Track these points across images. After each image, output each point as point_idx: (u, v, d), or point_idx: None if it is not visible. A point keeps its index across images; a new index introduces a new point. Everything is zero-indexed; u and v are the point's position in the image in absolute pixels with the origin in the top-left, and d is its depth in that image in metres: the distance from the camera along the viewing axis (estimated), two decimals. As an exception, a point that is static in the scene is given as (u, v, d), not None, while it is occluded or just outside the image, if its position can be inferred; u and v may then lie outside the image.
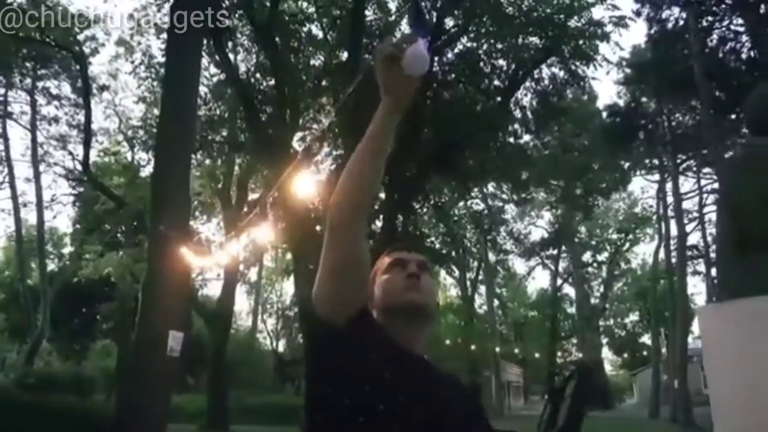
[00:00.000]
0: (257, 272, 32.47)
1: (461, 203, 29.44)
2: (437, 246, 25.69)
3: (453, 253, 30.09)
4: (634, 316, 47.28)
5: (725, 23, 17.83)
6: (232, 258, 8.72)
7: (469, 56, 15.55)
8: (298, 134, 17.22)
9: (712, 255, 24.29)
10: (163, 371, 7.55)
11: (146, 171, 19.35)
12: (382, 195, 16.91)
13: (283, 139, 15.10)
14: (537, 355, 40.79)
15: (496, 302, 37.34)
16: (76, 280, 16.56)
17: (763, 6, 15.07)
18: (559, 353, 40.35)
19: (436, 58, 15.18)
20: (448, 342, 31.12)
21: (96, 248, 16.64)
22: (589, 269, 40.43)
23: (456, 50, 15.70)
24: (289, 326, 30.90)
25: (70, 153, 18.08)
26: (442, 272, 34.20)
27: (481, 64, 15.69)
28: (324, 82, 16.46)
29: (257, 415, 20.50)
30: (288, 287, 31.10)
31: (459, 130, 14.66)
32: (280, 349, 33.83)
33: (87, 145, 15.23)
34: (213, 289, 26.34)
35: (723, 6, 16.55)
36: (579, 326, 33.92)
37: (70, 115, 19.05)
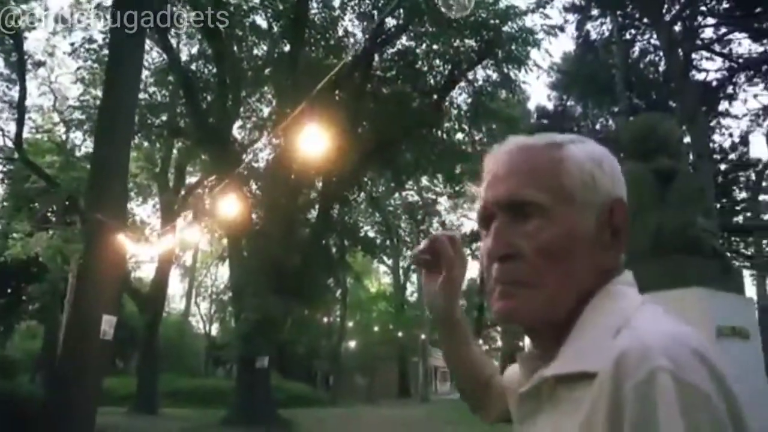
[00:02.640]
0: (192, 256, 32.13)
1: (396, 195, 30.15)
2: (372, 235, 26.27)
3: (387, 243, 30.75)
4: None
5: (646, 37, 19.17)
6: (168, 247, 8.91)
7: (408, 55, 16.07)
8: (239, 122, 17.34)
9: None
10: (95, 355, 7.72)
11: (81, 151, 18.92)
12: (319, 185, 17.29)
13: (223, 126, 15.21)
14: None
15: (427, 290, 38.31)
16: (2, 259, 16.04)
17: (677, 26, 16.29)
18: (483, 341, 41.92)
19: (376, 56, 15.65)
20: (377, 329, 31.90)
21: (24, 228, 16.17)
22: (517, 261, 42.04)
23: (395, 48, 16.18)
24: (223, 310, 30.78)
25: (1, 129, 17.47)
26: (375, 261, 34.86)
27: (419, 63, 16.25)
28: (266, 72, 16.59)
29: (187, 399, 20.51)
30: (223, 272, 30.94)
31: (396, 126, 15.18)
32: (213, 333, 33.67)
33: (20, 123, 14.80)
34: (146, 271, 25.96)
35: (644, 22, 17.74)
36: (504, 315, 35.39)
37: (1, 90, 18.38)
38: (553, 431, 0.66)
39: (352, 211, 19.43)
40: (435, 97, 16.54)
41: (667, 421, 0.54)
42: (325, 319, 30.20)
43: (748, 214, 20.29)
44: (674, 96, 17.13)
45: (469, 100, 17.67)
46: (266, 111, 18.33)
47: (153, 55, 15.91)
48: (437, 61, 16.22)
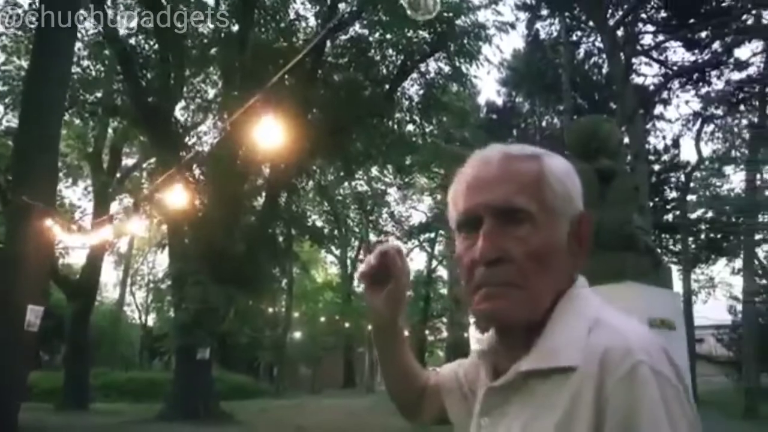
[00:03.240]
0: (128, 242, 30.91)
1: (345, 184, 29.95)
2: (320, 224, 26.00)
3: (335, 232, 30.53)
4: (499, 299, 50.73)
5: (591, 40, 19.64)
6: (101, 233, 8.42)
7: (361, 43, 15.85)
8: (182, 103, 16.67)
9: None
10: (19, 347, 7.25)
11: (2, 125, 17.76)
12: (266, 171, 16.89)
13: (164, 106, 14.57)
14: (408, 333, 42.53)
15: (373, 281, 38.38)
16: None
17: (620, 31, 16.73)
18: (429, 332, 42.34)
19: (328, 42, 15.34)
20: (323, 320, 31.68)
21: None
22: (462, 254, 42.65)
23: (348, 35, 15.93)
24: (161, 299, 29.82)
25: None
26: (323, 250, 34.60)
27: (372, 51, 16.05)
28: (212, 52, 16.00)
29: (121, 393, 19.77)
30: (161, 259, 29.93)
31: (346, 114, 14.96)
32: (150, 323, 32.56)
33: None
34: (76, 257, 24.72)
35: (590, 25, 18.14)
36: (449, 307, 35.87)
37: None
38: (526, 423, 0.71)
39: (300, 199, 19.09)
40: (387, 87, 16.42)
41: (649, 407, 0.62)
42: (271, 309, 29.73)
43: (677, 213, 21.30)
44: (615, 98, 17.64)
45: (421, 92, 17.65)
46: (212, 92, 17.72)
47: (87, 25, 14.93)
48: (390, 51, 16.09)
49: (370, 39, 15.87)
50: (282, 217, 17.16)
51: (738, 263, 21.43)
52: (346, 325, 31.64)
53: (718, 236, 20.91)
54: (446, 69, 16.95)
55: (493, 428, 0.76)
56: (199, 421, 12.42)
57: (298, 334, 31.25)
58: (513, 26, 19.37)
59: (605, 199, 4.52)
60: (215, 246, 13.14)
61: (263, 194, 16.26)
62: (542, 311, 0.74)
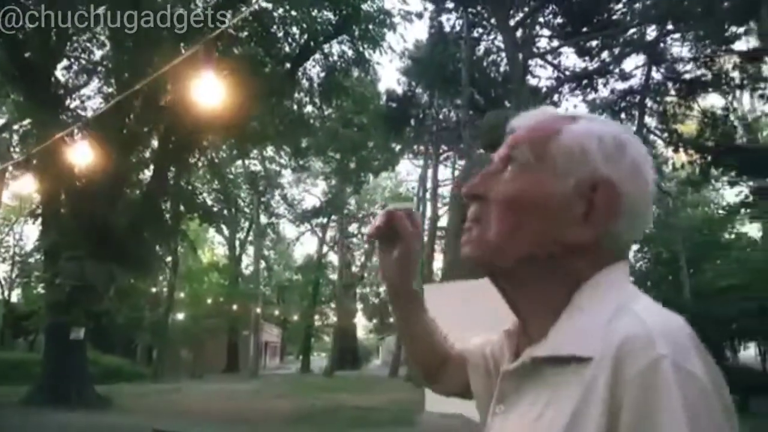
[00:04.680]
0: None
1: (239, 162, 29.06)
2: (209, 203, 25.05)
3: (224, 212, 29.57)
4: (387, 285, 51.75)
5: (492, 38, 20.42)
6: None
7: (264, 17, 15.37)
8: (64, 62, 15.30)
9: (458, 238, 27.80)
10: None
11: None
12: (155, 143, 15.97)
13: (43, 64, 13.31)
14: (296, 317, 42.39)
15: (262, 264, 37.75)
16: None
17: (519, 32, 17.57)
18: (317, 317, 42.39)
19: (229, 12, 14.71)
20: (210, 301, 30.68)
21: None
22: (354, 239, 43.10)
23: (251, 8, 15.37)
24: (27, 275, 27.37)
25: None
26: (211, 230, 33.45)
27: (275, 27, 15.64)
28: (100, 10, 14.77)
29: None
30: (31, 230, 27.44)
31: (244, 90, 14.46)
32: (14, 299, 29.79)
33: None
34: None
35: (492, 23, 18.87)
36: (338, 292, 36.09)
37: None
38: (539, 413, 0.65)
39: (190, 175, 18.26)
40: (288, 65, 16.08)
41: (669, 409, 0.54)
42: (153, 289, 28.28)
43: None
44: (510, 96, 18.50)
45: (323, 74, 17.46)
46: (99, 54, 16.42)
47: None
48: (294, 29, 15.75)
49: (274, 14, 15.44)
50: (170, 193, 16.34)
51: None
52: (235, 307, 30.86)
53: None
54: (350, 53, 16.91)
55: (507, 416, 0.72)
56: (70, 407, 11.59)
57: (180, 316, 30.01)
58: (420, 16, 19.76)
59: None
60: (96, 219, 12.25)
61: (151, 167, 15.38)
62: (510, 259, 0.70)
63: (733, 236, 22.14)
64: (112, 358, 21.95)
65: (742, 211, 18.92)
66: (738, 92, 20.51)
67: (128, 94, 9.37)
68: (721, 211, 23.70)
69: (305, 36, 15.83)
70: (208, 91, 4.93)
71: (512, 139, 0.76)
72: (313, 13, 15.08)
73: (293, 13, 14.98)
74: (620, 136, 0.72)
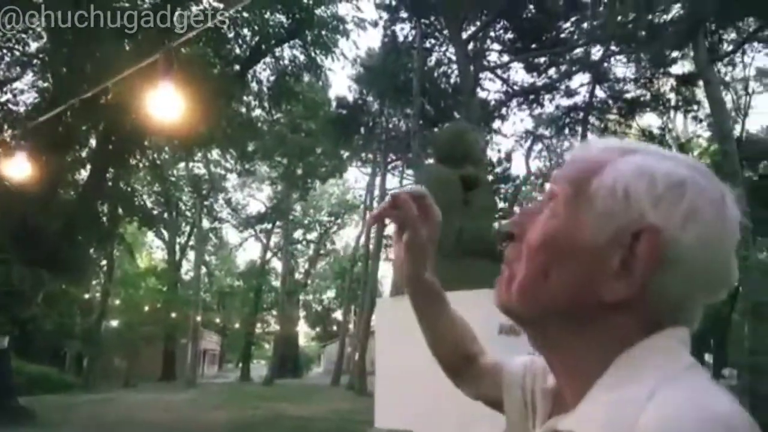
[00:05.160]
0: None
1: (182, 164, 28.20)
2: (149, 205, 24.17)
3: (165, 215, 28.62)
4: (331, 293, 51.45)
5: (443, 49, 20.66)
6: None
7: (214, 17, 14.96)
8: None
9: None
10: None
11: None
12: (93, 142, 15.24)
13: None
14: (237, 324, 41.46)
15: (203, 269, 36.75)
16: None
17: (471, 44, 17.84)
18: (259, 324, 41.62)
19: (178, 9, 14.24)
20: (147, 308, 29.55)
21: None
22: (299, 246, 42.62)
23: (200, 5, 14.94)
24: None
25: None
26: (150, 234, 32.30)
27: (225, 27, 15.24)
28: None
29: None
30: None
31: (191, 90, 14.00)
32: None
33: None
34: None
35: (445, 34, 19.09)
36: (281, 299, 35.52)
37: None
38: None
39: (130, 176, 17.52)
40: (238, 67, 15.71)
41: None
42: (87, 295, 26.97)
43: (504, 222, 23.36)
44: (459, 108, 18.74)
45: (273, 78, 17.17)
46: (34, 46, 15.51)
47: None
48: (245, 30, 15.40)
49: (225, 14, 15.05)
50: (108, 195, 15.62)
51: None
52: (172, 314, 29.82)
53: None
54: (301, 58, 16.70)
55: None
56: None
57: (114, 323, 28.73)
58: (375, 24, 19.76)
59: (469, 207, 4.61)
60: (25, 221, 11.53)
61: (88, 168, 14.65)
62: (532, 309, 0.63)
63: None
64: (38, 367, 20.75)
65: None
66: (673, 113, 21.53)
67: (61, 86, 8.85)
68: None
69: (256, 38, 15.52)
70: (166, 103, 4.65)
71: (556, 172, 0.67)
72: (266, 16, 14.81)
73: (245, 14, 14.65)
74: (678, 175, 0.60)
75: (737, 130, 18.94)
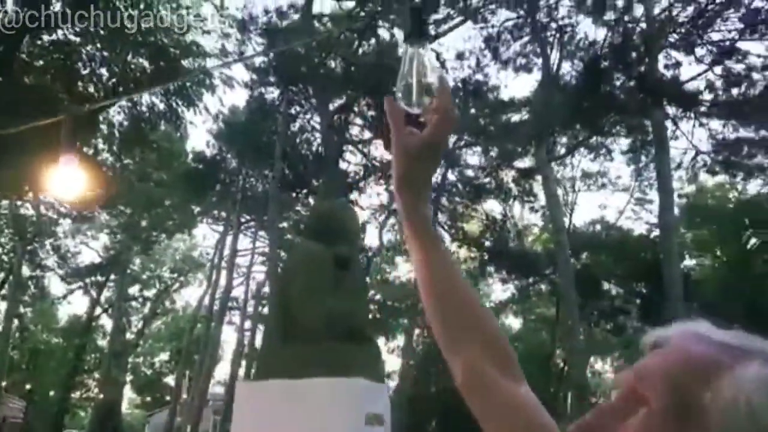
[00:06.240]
0: None
1: (4, 203, 25.18)
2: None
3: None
4: (164, 356, 47.58)
5: (308, 117, 21.07)
6: None
7: (69, 49, 13.97)
8: None
9: (249, 310, 26.98)
10: None
11: None
12: None
13: None
14: (52, 393, 36.64)
15: (15, 322, 32.33)
16: None
17: (336, 117, 18.44)
18: (76, 389, 37.12)
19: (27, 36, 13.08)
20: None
21: None
22: (133, 303, 39.34)
23: (54, 37, 13.89)
24: None
25: None
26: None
27: (80, 64, 14.28)
28: None
29: None
30: None
31: (31, 127, 12.74)
32: None
33: None
34: None
35: (312, 102, 19.54)
36: (107, 361, 32.15)
37: None
38: None
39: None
40: (88, 107, 14.65)
41: None
42: None
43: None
44: (319, 175, 19.02)
45: (127, 122, 16.28)
46: None
47: None
48: (103, 70, 14.55)
49: (82, 49, 14.14)
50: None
51: (399, 342, 24.46)
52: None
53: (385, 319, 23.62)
54: (161, 106, 16.07)
55: None
56: None
57: None
58: (247, 86, 19.67)
59: (340, 287, 4.38)
60: None
61: None
62: None
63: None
64: None
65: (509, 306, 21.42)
66: (513, 202, 23.71)
67: None
68: (491, 305, 26.53)
69: (114, 80, 14.71)
70: (68, 183, 4.06)
71: (644, 368, 0.54)
72: (128, 58, 14.15)
73: (105, 53, 13.88)
74: None
75: (566, 223, 21.29)
